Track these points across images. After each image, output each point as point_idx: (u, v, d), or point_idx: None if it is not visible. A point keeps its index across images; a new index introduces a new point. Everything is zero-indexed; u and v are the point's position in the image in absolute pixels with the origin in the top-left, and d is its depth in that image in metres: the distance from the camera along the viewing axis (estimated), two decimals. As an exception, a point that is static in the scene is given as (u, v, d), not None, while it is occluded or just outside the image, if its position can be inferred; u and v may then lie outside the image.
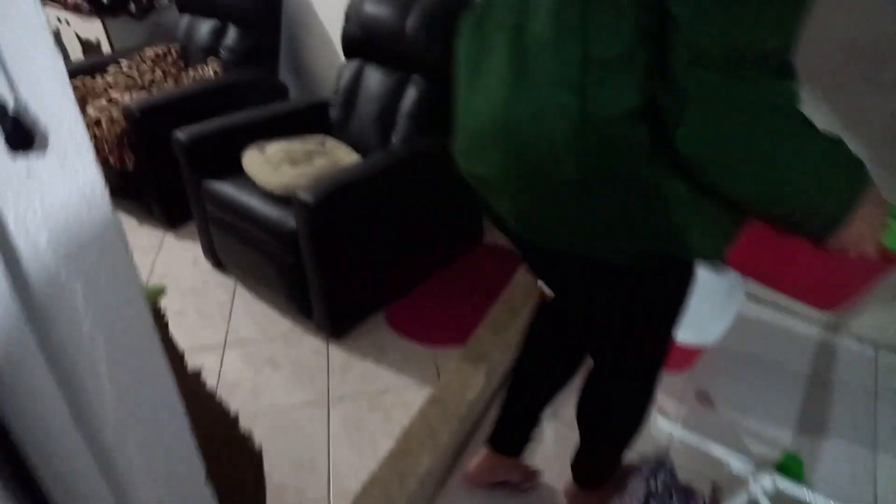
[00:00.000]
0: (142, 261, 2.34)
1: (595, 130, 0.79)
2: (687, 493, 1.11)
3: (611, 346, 1.11)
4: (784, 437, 1.58)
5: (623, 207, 0.84)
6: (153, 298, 1.04)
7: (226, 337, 2.02)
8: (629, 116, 0.77)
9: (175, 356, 1.06)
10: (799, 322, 1.92)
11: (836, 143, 0.77)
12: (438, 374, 1.83)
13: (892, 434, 1.58)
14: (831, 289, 0.94)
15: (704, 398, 1.72)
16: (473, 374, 1.65)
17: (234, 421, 1.16)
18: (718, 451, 1.04)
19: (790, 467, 1.18)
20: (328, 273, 1.84)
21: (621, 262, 0.89)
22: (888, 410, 1.65)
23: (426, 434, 1.51)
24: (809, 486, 1.22)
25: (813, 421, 1.62)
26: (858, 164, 0.79)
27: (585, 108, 0.78)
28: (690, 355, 1.73)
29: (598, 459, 1.31)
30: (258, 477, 1.20)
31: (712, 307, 1.64)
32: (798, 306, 1.93)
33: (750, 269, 0.94)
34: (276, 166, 2.03)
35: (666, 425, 1.05)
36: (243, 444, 1.17)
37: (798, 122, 0.74)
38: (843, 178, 0.78)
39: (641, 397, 1.16)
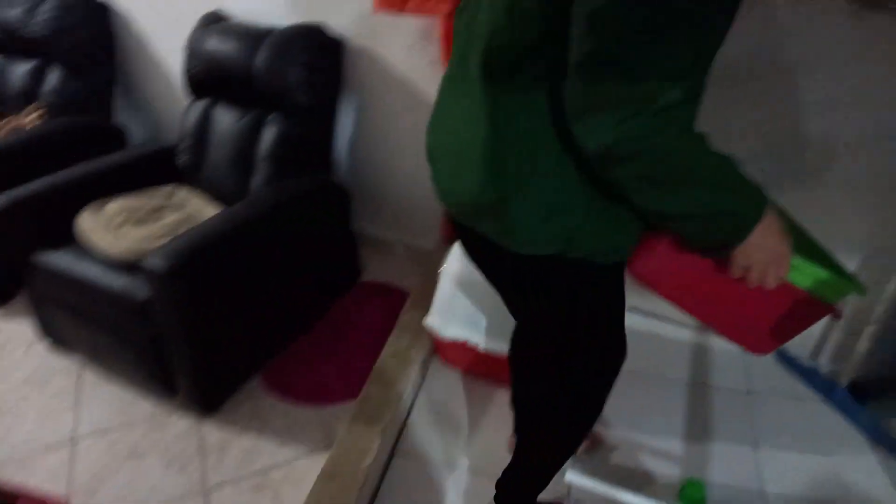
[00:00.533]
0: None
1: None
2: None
3: (539, 349, 1.11)
4: (675, 448, 1.62)
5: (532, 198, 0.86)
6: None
7: (74, 431, 1.74)
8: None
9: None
10: (671, 327, 2.01)
11: (729, 159, 0.78)
12: (329, 438, 1.69)
13: (769, 430, 1.68)
14: (746, 325, 0.95)
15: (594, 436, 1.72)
16: (367, 437, 1.54)
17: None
18: (630, 499, 1.02)
19: (692, 493, 1.19)
20: (192, 343, 1.64)
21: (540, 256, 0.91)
22: (763, 407, 1.75)
23: (323, 515, 1.37)
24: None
25: (698, 426, 1.68)
26: (754, 186, 0.80)
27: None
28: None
29: (525, 473, 1.28)
30: None
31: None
32: (669, 311, 2.01)
33: (659, 289, 0.93)
34: (117, 228, 1.80)
35: (574, 477, 1.02)
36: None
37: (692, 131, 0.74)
38: (739, 194, 0.79)
39: (574, 408, 1.12)
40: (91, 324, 1.77)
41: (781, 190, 1.59)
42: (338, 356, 1.97)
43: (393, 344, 1.84)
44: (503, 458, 1.60)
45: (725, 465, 1.56)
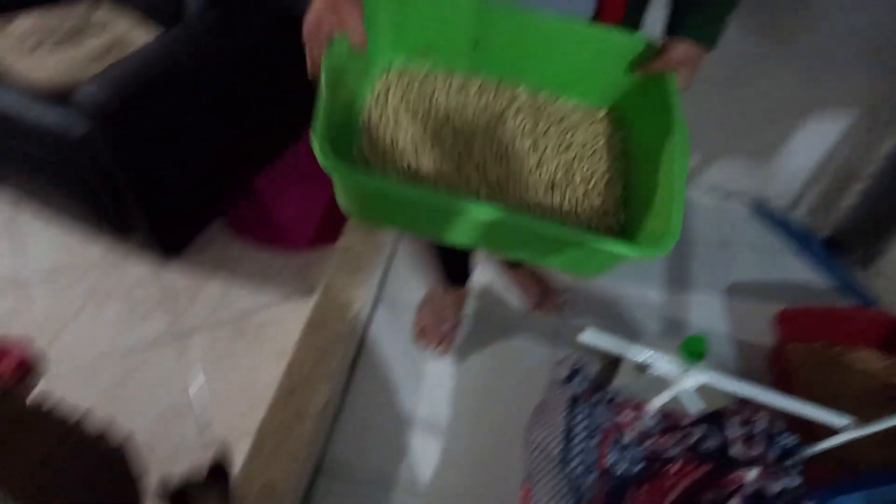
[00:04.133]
0: None
1: None
2: (609, 395, 1.10)
3: None
4: (656, 297, 1.66)
5: None
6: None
7: (19, 274, 1.58)
8: None
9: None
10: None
11: None
12: (305, 283, 1.61)
13: (742, 281, 1.73)
14: None
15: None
16: (351, 286, 1.47)
17: (80, 427, 0.88)
18: (638, 354, 1.02)
19: (693, 347, 1.22)
20: (141, 184, 1.45)
21: None
22: (737, 259, 1.79)
23: (314, 364, 1.33)
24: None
25: (677, 277, 1.72)
26: None
27: None
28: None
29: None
30: (126, 477, 0.96)
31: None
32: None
33: None
34: (30, 51, 1.49)
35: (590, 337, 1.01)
36: (100, 447, 0.91)
37: None
38: None
39: None
40: (20, 163, 1.52)
41: (787, 40, 1.49)
42: (310, 199, 1.83)
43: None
44: (495, 300, 1.60)
45: (701, 313, 1.62)
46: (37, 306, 1.52)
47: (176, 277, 1.61)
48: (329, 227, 1.67)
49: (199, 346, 1.48)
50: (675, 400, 1.15)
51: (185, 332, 1.51)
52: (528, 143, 0.86)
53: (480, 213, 0.66)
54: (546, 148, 0.86)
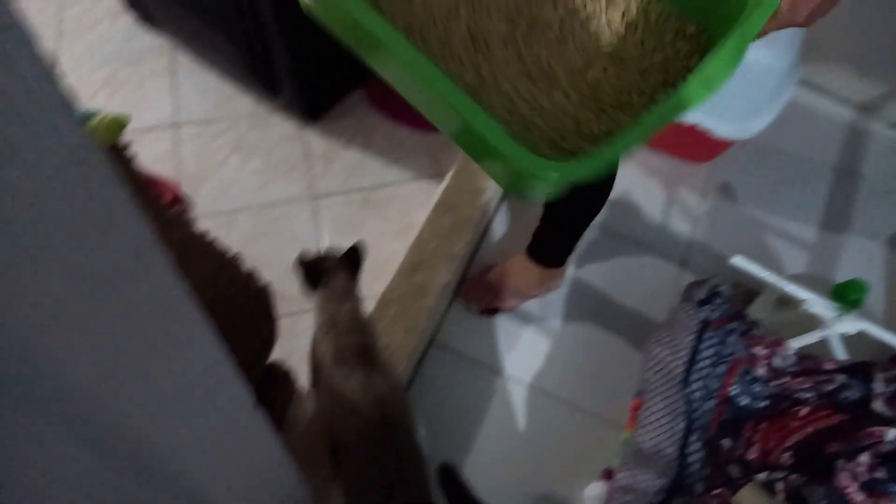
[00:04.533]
0: (38, 20, 1.82)
1: None
2: (745, 326, 1.05)
3: None
4: (808, 234, 1.53)
5: None
6: (113, 134, 0.72)
7: (176, 115, 1.68)
8: None
9: (151, 203, 0.79)
10: (828, 103, 1.76)
11: None
12: (436, 166, 1.61)
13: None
14: None
15: (725, 189, 1.61)
16: (482, 175, 1.45)
17: (235, 262, 0.95)
18: (794, 289, 0.95)
19: (850, 293, 1.12)
20: (295, 39, 1.46)
21: None
22: (906, 205, 1.60)
23: (439, 244, 1.35)
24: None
25: (836, 217, 1.56)
26: None
27: None
28: (719, 147, 1.57)
29: (553, 234, 1.22)
30: (268, 317, 1.03)
31: (759, 98, 1.43)
32: (828, 83, 1.74)
33: None
34: None
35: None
36: (249, 286, 0.98)
37: None
38: None
39: None
40: (185, 4, 1.57)
41: None
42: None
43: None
44: (623, 211, 1.53)
45: (855, 260, 1.48)
46: (186, 151, 1.62)
47: (315, 141, 1.65)
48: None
49: (330, 210, 1.54)
50: (813, 345, 1.07)
51: (319, 195, 1.56)
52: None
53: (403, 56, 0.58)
54: None
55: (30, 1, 1.82)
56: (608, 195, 1.11)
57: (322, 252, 1.04)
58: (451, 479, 0.86)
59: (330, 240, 1.50)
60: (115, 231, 0.34)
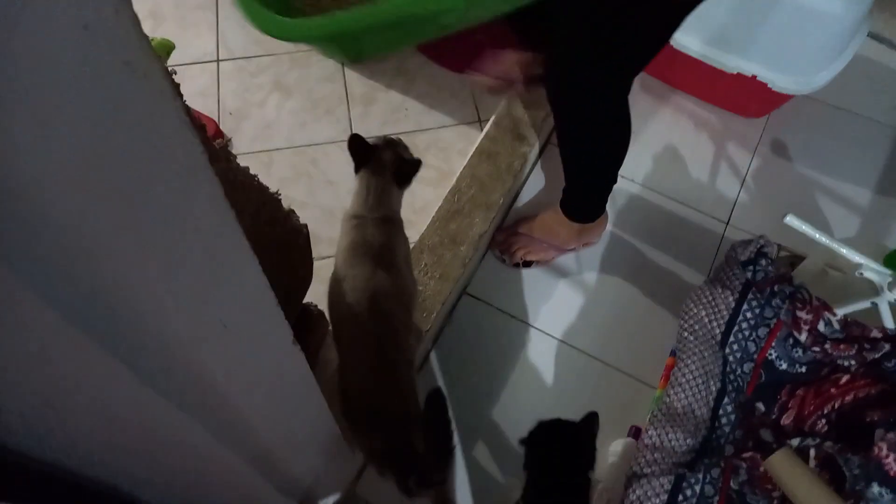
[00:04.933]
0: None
1: None
2: (790, 289, 1.01)
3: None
4: (861, 198, 1.46)
5: None
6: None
7: (217, 51, 1.66)
8: None
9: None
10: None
11: None
12: (478, 112, 1.57)
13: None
14: None
15: (778, 146, 1.54)
16: (523, 125, 1.41)
17: (276, 200, 0.95)
18: (847, 253, 0.91)
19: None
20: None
21: None
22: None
23: (476, 193, 1.33)
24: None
25: (893, 182, 1.49)
26: None
27: None
28: (775, 101, 1.50)
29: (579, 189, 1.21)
30: (305, 258, 1.04)
31: (824, 50, 1.34)
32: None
33: None
34: None
35: (794, 221, 0.90)
36: (288, 225, 0.98)
37: None
38: None
39: (596, 113, 1.02)
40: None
41: None
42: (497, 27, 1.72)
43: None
44: (667, 166, 1.49)
45: (909, 227, 1.42)
46: (226, 88, 1.61)
47: (355, 82, 1.62)
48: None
49: (369, 153, 1.52)
50: (859, 312, 1.04)
51: (357, 138, 1.55)
52: None
53: None
54: None
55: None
56: (626, 142, 1.08)
57: (380, 139, 1.04)
58: (436, 404, 0.88)
59: (367, 183, 1.48)
60: (168, 144, 0.34)
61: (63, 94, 0.27)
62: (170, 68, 0.75)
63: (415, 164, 1.03)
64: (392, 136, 1.06)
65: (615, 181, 1.18)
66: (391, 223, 0.99)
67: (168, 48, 0.74)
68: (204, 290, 0.44)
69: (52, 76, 0.26)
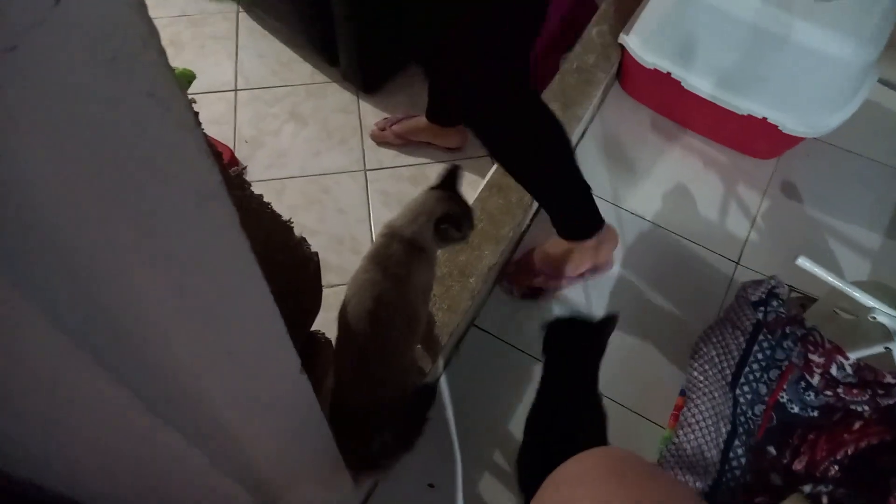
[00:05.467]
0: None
1: None
2: (802, 331, 1.00)
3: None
4: (872, 242, 1.45)
5: None
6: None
7: (235, 79, 1.69)
8: None
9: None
10: (907, 105, 1.66)
11: None
12: (490, 145, 1.59)
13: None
14: None
15: (788, 188, 1.54)
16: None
17: (288, 228, 0.95)
18: (860, 296, 0.90)
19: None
20: (359, 14, 1.45)
21: None
22: None
23: (487, 225, 1.34)
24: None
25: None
26: None
27: None
28: (786, 143, 1.50)
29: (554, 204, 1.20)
30: (315, 286, 1.04)
31: (835, 94, 1.36)
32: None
33: None
34: None
35: (807, 264, 0.90)
36: (298, 253, 0.98)
37: None
38: None
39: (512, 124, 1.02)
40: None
41: None
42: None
43: (575, 59, 1.60)
44: (677, 204, 1.49)
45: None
46: (243, 117, 1.64)
47: (369, 113, 1.65)
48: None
49: (379, 183, 1.54)
50: (872, 357, 1.02)
51: (369, 167, 1.56)
52: None
53: None
54: None
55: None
56: (561, 137, 1.07)
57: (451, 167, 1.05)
58: (425, 399, 0.92)
59: (376, 213, 1.50)
60: (187, 173, 0.34)
61: (86, 123, 0.28)
62: (189, 97, 0.77)
63: (457, 229, 1.01)
64: (456, 169, 1.05)
65: (586, 186, 1.16)
66: (418, 250, 0.98)
67: (189, 78, 0.76)
68: (213, 318, 0.44)
69: (77, 106, 0.27)
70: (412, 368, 1.12)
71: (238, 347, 0.49)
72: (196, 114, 0.72)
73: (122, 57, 0.27)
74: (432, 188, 1.04)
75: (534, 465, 0.92)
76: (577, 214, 1.21)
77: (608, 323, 0.95)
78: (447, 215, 0.99)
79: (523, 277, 1.34)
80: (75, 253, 0.32)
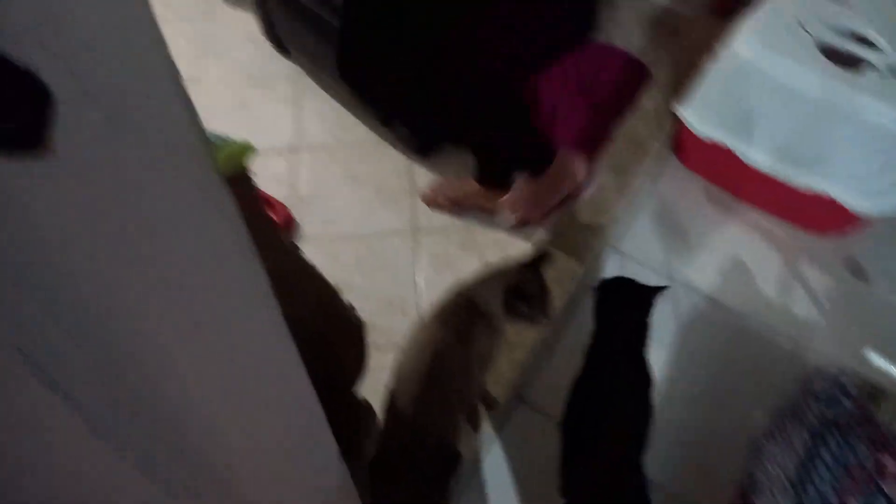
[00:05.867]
0: (181, 28, 1.97)
1: None
2: (877, 432, 0.93)
3: None
4: None
5: None
6: (239, 161, 0.76)
7: (295, 140, 1.75)
8: None
9: (267, 230, 0.82)
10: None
11: None
12: (541, 212, 1.58)
13: None
14: None
15: (854, 268, 1.47)
16: (587, 233, 1.41)
17: (335, 293, 0.96)
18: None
19: None
20: (407, 74, 1.49)
21: None
22: None
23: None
24: None
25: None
26: None
27: None
28: (850, 221, 1.44)
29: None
30: (360, 351, 1.04)
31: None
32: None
33: None
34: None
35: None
36: (346, 319, 0.99)
37: None
38: None
39: None
40: (315, 29, 1.64)
41: None
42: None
43: (629, 129, 1.60)
44: (730, 278, 1.44)
45: None
46: (302, 176, 1.69)
47: (423, 176, 1.67)
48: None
49: (430, 246, 1.55)
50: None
51: (422, 230, 1.58)
52: None
53: None
54: None
55: (174, 25, 1.98)
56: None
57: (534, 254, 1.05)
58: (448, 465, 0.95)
59: (426, 276, 1.50)
60: (234, 265, 0.34)
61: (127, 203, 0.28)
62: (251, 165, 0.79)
63: (528, 305, 1.00)
64: (546, 254, 1.05)
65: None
66: (483, 315, 0.96)
67: (249, 152, 0.79)
68: (250, 394, 0.44)
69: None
70: (455, 434, 1.09)
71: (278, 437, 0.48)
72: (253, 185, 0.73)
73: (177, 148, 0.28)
74: (517, 261, 1.03)
75: (578, 430, 0.97)
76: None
77: (659, 289, 1.03)
78: (518, 288, 0.97)
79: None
80: (105, 329, 0.32)
